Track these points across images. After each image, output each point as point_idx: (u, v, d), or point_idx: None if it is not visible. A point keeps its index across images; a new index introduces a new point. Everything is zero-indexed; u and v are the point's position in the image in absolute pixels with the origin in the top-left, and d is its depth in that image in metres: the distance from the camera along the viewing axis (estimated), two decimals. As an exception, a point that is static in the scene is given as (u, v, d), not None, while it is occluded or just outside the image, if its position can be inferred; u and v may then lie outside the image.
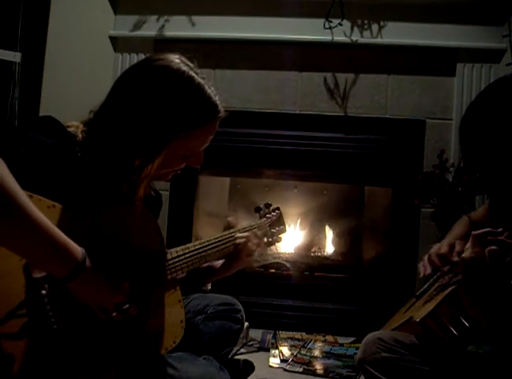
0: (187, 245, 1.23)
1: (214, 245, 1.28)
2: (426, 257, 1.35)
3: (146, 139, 1.02)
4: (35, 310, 0.88)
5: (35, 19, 2.40)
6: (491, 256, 0.99)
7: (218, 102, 1.10)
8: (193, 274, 1.31)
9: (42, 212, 0.82)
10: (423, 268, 1.33)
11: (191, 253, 1.21)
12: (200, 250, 1.24)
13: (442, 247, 1.32)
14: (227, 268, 1.35)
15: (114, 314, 0.96)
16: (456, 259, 1.25)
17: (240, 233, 1.35)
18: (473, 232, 1.06)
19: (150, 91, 1.03)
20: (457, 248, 1.29)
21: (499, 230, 1.03)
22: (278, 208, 1.59)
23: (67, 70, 2.42)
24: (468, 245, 1.08)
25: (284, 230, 1.59)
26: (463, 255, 1.05)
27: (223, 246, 1.30)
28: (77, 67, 2.42)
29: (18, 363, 0.86)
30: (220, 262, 1.36)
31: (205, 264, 1.31)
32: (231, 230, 1.35)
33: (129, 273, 1.01)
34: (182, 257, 1.18)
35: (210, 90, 1.08)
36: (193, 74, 1.07)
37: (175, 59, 1.07)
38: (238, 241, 1.32)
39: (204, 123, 1.07)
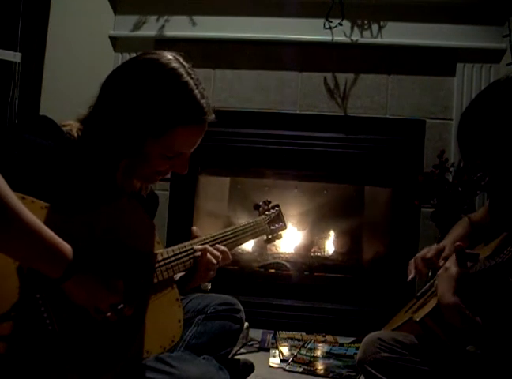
0: (184, 243, 1.22)
1: (177, 256, 1.18)
2: (412, 261, 1.36)
3: (125, 132, 1.02)
4: (29, 312, 0.88)
5: (35, 19, 2.40)
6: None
7: (205, 104, 1.06)
8: None
9: (35, 214, 0.82)
10: (409, 271, 1.35)
11: (185, 253, 1.20)
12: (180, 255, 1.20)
13: (429, 251, 1.33)
14: (187, 283, 1.26)
15: (108, 315, 0.95)
16: (442, 264, 1.27)
17: (200, 244, 1.24)
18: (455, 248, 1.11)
19: (133, 83, 1.03)
20: (445, 253, 1.30)
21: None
22: (277, 205, 1.58)
23: (67, 70, 2.43)
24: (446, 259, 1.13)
25: (284, 227, 1.58)
26: (439, 272, 1.10)
27: (183, 259, 1.19)
28: (77, 67, 2.42)
29: (13, 365, 0.85)
30: (179, 275, 1.27)
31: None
32: (194, 241, 1.25)
33: (124, 273, 1.01)
34: (179, 256, 1.18)
35: (198, 91, 1.05)
36: (183, 72, 1.05)
37: (168, 56, 1.06)
38: (196, 254, 1.22)
39: (185, 122, 1.04)
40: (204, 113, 1.06)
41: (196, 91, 1.05)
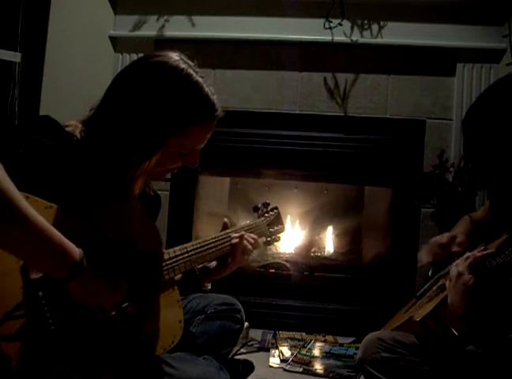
0: (185, 245, 1.23)
1: (211, 245, 1.27)
2: (426, 247, 1.37)
3: (144, 135, 1.02)
4: (32, 311, 0.88)
5: (35, 19, 2.40)
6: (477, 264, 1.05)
7: (215, 101, 1.09)
8: (188, 276, 1.31)
9: (39, 213, 0.82)
10: (424, 256, 1.36)
11: (189, 253, 1.21)
12: (197, 250, 1.23)
13: (443, 237, 1.35)
14: (223, 268, 1.34)
15: (113, 313, 0.95)
16: (455, 249, 1.29)
17: (236, 233, 1.34)
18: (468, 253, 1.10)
19: (147, 87, 1.03)
20: (458, 239, 1.32)
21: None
22: (276, 208, 1.59)
23: (67, 70, 2.43)
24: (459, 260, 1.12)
25: (282, 230, 1.59)
26: (451, 274, 1.09)
27: (220, 246, 1.29)
28: (77, 67, 2.42)
29: (16, 364, 0.85)
30: (215, 263, 1.34)
31: (200, 265, 1.30)
32: (228, 231, 1.34)
33: (128, 273, 1.01)
34: (180, 257, 1.18)
35: (208, 89, 1.08)
36: (192, 72, 1.07)
37: (174, 56, 1.08)
38: (233, 241, 1.31)
39: (200, 121, 1.07)
40: (216, 109, 1.10)
41: (207, 89, 1.08)
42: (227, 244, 1.31)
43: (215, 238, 1.29)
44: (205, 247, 1.26)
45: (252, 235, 1.37)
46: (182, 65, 1.06)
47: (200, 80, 1.07)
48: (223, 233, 1.33)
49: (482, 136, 1.09)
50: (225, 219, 1.38)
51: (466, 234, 1.36)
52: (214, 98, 1.09)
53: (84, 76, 2.38)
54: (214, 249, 1.28)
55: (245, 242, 1.32)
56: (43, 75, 2.43)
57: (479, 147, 1.11)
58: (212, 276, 1.35)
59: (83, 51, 2.44)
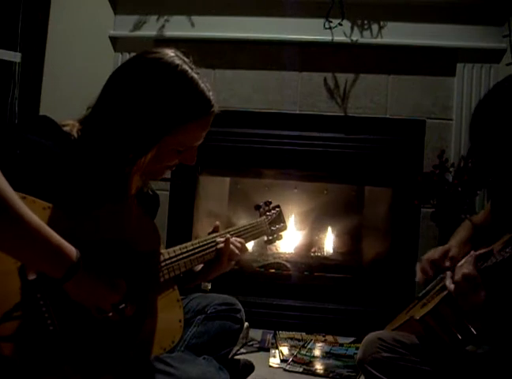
0: (185, 244, 1.23)
1: (202, 248, 1.26)
2: (420, 264, 1.36)
3: (139, 131, 1.02)
4: (30, 312, 0.88)
5: (35, 19, 2.40)
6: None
7: (212, 97, 1.09)
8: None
9: (36, 214, 0.82)
10: (418, 273, 1.35)
11: (188, 253, 1.21)
12: (196, 250, 1.23)
13: (435, 253, 1.33)
14: (207, 273, 1.33)
15: (110, 314, 0.95)
16: (448, 264, 1.27)
17: (222, 237, 1.31)
18: (472, 253, 1.09)
19: (142, 84, 1.03)
20: (451, 253, 1.30)
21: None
22: (278, 206, 1.59)
23: (67, 70, 2.43)
24: (462, 262, 1.10)
25: (284, 228, 1.59)
26: (457, 278, 1.08)
27: (206, 251, 1.27)
28: (77, 67, 2.43)
29: (14, 365, 0.85)
30: (200, 266, 1.33)
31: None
32: (216, 234, 1.32)
33: (126, 273, 1.01)
34: (180, 257, 1.18)
35: (204, 85, 1.08)
36: (187, 68, 1.07)
37: (169, 53, 1.08)
38: (219, 246, 1.29)
39: (196, 118, 1.07)
40: (212, 105, 1.09)
41: (202, 86, 1.08)
42: (212, 249, 1.29)
43: (203, 241, 1.27)
44: (199, 250, 1.25)
45: (239, 239, 1.34)
46: (177, 61, 1.06)
47: (195, 76, 1.07)
48: (210, 236, 1.30)
49: (490, 134, 1.08)
50: (217, 223, 1.36)
51: (461, 245, 1.35)
52: (210, 94, 1.09)
53: (84, 76, 2.38)
54: (200, 254, 1.25)
55: (231, 246, 1.30)
56: (43, 75, 2.43)
57: (485, 145, 1.10)
58: (196, 281, 1.35)
59: (83, 51, 2.44)
